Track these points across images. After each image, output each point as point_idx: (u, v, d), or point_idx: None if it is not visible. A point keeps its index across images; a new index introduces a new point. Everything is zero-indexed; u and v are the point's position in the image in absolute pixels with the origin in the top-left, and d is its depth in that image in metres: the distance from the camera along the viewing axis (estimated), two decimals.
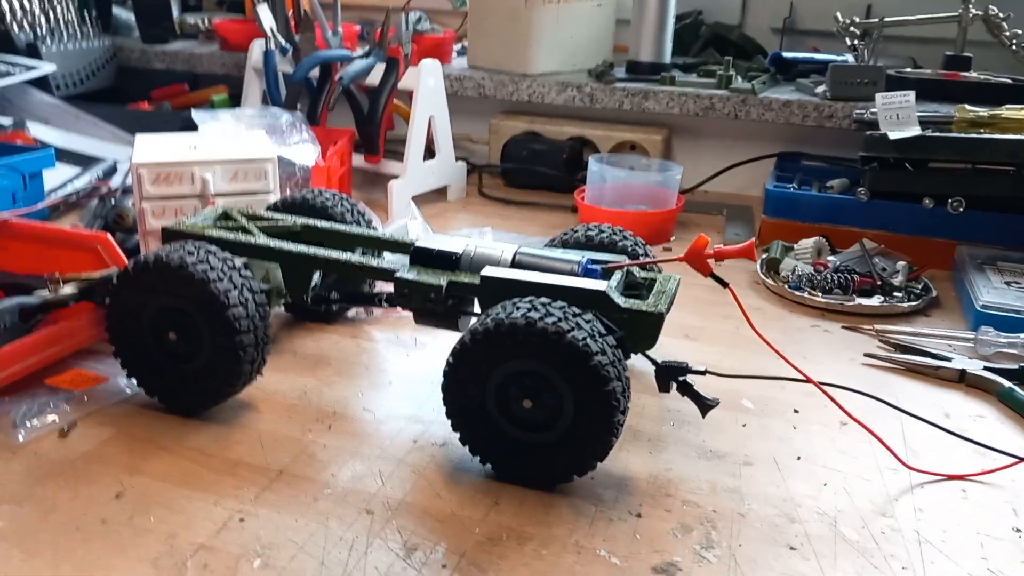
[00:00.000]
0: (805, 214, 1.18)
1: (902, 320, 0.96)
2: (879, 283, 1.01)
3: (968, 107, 1.17)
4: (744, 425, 0.73)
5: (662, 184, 1.21)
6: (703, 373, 0.66)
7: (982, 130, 1.13)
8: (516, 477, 0.63)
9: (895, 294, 1.00)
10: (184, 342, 0.68)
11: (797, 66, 1.47)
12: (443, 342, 0.86)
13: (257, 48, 1.37)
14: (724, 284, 0.65)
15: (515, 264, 0.68)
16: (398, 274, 0.68)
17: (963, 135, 1.11)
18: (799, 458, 0.68)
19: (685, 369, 0.65)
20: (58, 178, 1.11)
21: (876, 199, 1.14)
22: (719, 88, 1.39)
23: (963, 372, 0.82)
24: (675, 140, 1.49)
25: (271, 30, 1.34)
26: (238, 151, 0.94)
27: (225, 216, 0.80)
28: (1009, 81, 1.33)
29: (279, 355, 0.82)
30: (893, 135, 1.11)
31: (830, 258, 1.07)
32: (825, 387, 0.66)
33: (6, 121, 1.29)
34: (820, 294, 0.99)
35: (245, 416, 0.71)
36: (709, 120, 1.44)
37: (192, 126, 1.16)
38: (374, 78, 1.27)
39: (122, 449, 0.66)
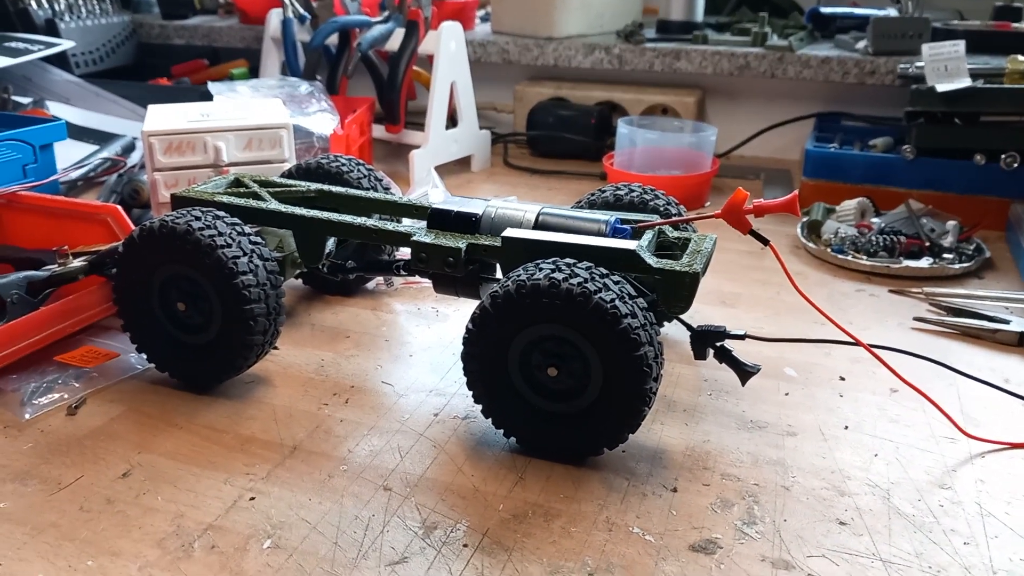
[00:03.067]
0: (847, 175, 1.12)
1: (953, 282, 0.90)
2: (927, 244, 0.95)
3: (1020, 57, 1.10)
4: (787, 394, 0.68)
5: (695, 147, 1.16)
6: (742, 337, 0.62)
7: None
8: (543, 450, 0.59)
9: (945, 255, 0.94)
10: (194, 313, 0.65)
11: (836, 21, 1.41)
12: (464, 312, 0.82)
13: (275, 17, 1.34)
14: (765, 241, 0.60)
15: (538, 225, 0.64)
16: (414, 237, 0.64)
17: (1017, 86, 1.05)
18: (847, 427, 0.64)
19: (723, 333, 0.60)
20: (77, 155, 1.09)
21: (923, 157, 1.08)
22: (754, 46, 1.33)
23: (1023, 335, 0.77)
24: (709, 102, 1.44)
25: None
26: (252, 118, 0.90)
27: (237, 183, 0.77)
28: None
29: (296, 328, 0.79)
30: (941, 87, 1.04)
31: (874, 220, 1.02)
32: (876, 350, 0.61)
33: (25, 100, 1.27)
34: (865, 257, 0.93)
35: (259, 391, 0.68)
36: (744, 80, 1.38)
37: (210, 100, 1.13)
38: (394, 44, 1.23)
39: (131, 426, 0.63)
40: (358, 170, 0.83)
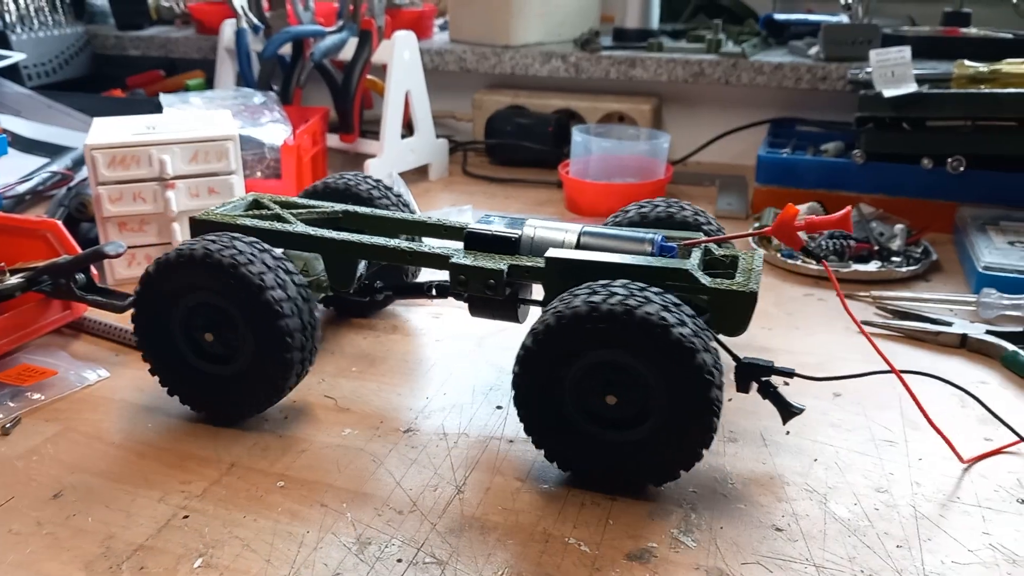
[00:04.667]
0: (800, 180, 1.13)
1: (901, 286, 0.91)
2: (876, 248, 0.96)
3: (967, 63, 1.11)
4: (730, 399, 0.69)
5: (649, 154, 1.17)
6: (791, 374, 0.59)
7: (982, 86, 1.08)
8: (613, 485, 0.56)
9: (893, 259, 0.95)
10: (222, 342, 0.62)
11: (790, 28, 1.42)
12: (422, 322, 0.82)
13: (228, 28, 1.33)
14: (819, 259, 0.59)
15: (580, 245, 0.62)
16: (453, 259, 0.62)
17: (962, 91, 1.06)
18: (788, 433, 0.64)
19: (770, 368, 0.58)
20: (26, 169, 1.07)
21: (872, 161, 1.09)
22: (709, 53, 1.34)
23: (964, 337, 0.78)
24: (666, 109, 1.44)
25: (242, 8, 1.29)
26: (197, 130, 0.89)
27: (256, 204, 0.74)
28: (1010, 36, 1.27)
29: None
30: (888, 93, 1.06)
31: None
32: (909, 375, 0.61)
33: None
34: (814, 262, 0.94)
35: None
36: (699, 87, 1.39)
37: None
38: (348, 54, 1.23)
39: (66, 446, 0.62)
40: (378, 189, 0.80)
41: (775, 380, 0.59)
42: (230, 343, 0.61)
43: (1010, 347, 0.74)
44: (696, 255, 0.60)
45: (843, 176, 1.11)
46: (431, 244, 0.68)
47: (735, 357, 0.58)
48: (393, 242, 0.66)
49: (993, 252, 0.90)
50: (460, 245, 0.65)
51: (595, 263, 0.58)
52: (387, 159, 1.20)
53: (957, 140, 1.06)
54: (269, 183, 1.07)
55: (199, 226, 0.69)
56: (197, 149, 0.88)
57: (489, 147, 1.41)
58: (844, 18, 1.37)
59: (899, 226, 0.99)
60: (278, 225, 0.68)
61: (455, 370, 0.73)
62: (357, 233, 0.67)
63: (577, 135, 1.17)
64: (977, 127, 1.06)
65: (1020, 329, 0.78)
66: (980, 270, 0.87)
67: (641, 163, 1.17)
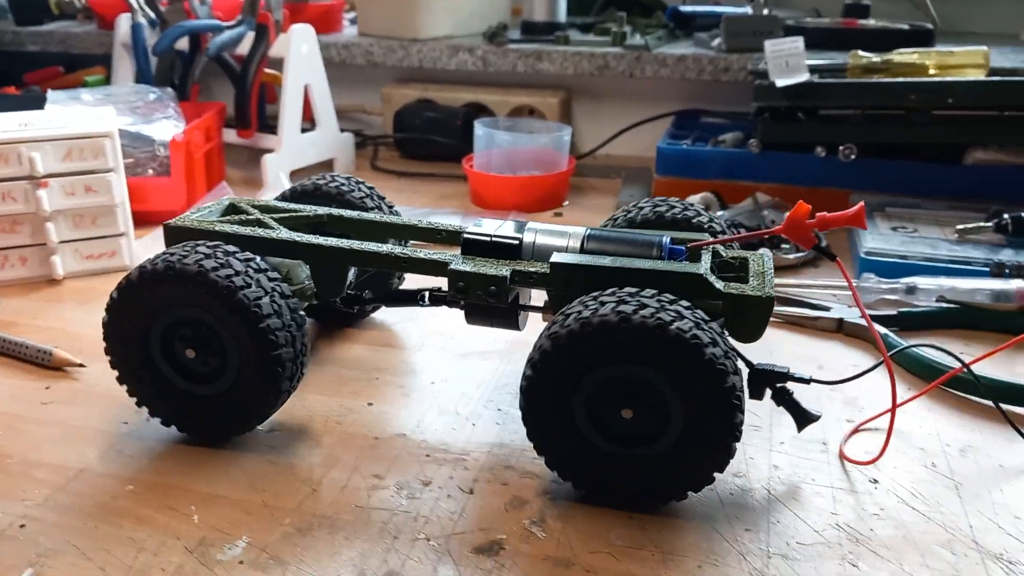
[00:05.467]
0: (699, 171, 1.14)
1: (790, 272, 0.92)
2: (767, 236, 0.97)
3: (861, 53, 1.13)
4: None
5: (551, 147, 1.16)
6: (807, 381, 0.58)
7: (876, 76, 1.10)
8: (621, 500, 0.54)
9: (783, 246, 0.96)
10: (205, 360, 0.58)
11: (696, 20, 1.43)
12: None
13: (124, 22, 1.29)
14: (832, 257, 0.56)
15: (585, 249, 0.59)
16: (452, 266, 0.58)
17: (852, 80, 1.08)
18: None
19: (786, 375, 0.56)
20: None
21: (768, 151, 1.11)
22: (613, 46, 1.34)
23: (840, 321, 0.79)
24: (574, 102, 1.44)
25: (137, 2, 1.26)
26: (70, 127, 0.86)
27: (233, 209, 0.69)
28: (906, 27, 1.29)
29: None
30: (781, 82, 1.07)
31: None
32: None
33: None
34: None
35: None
36: (605, 80, 1.40)
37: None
38: (247, 48, 1.20)
39: None
40: (360, 190, 0.76)
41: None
42: (215, 361, 0.58)
43: (882, 330, 0.76)
44: (706, 258, 0.57)
45: (741, 166, 1.12)
46: (417, 249, 0.64)
47: (748, 363, 0.57)
48: (386, 248, 0.62)
49: (876, 238, 0.92)
50: (450, 251, 0.62)
51: (604, 268, 0.55)
52: (286, 154, 1.17)
53: (849, 129, 1.08)
54: (159, 181, 1.04)
55: (174, 234, 0.64)
56: (71, 146, 0.85)
57: (399, 141, 1.39)
58: (749, 9, 1.38)
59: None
60: (261, 232, 0.63)
61: (320, 367, 0.72)
62: (343, 238, 0.64)
63: (479, 129, 1.16)
64: (867, 116, 1.08)
65: (895, 312, 0.80)
66: (862, 255, 0.89)
67: (544, 156, 1.17)
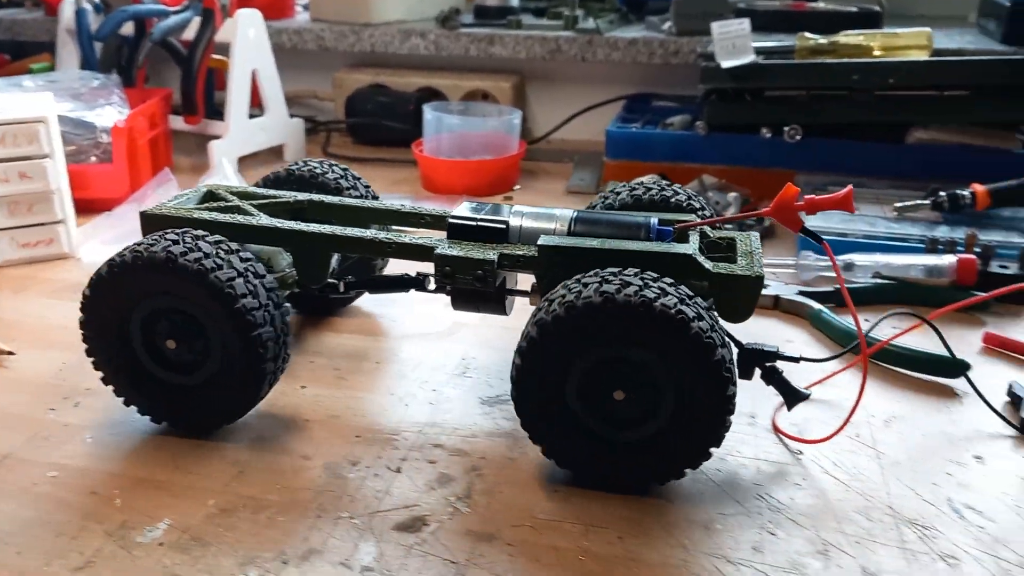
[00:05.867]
0: (648, 154, 1.15)
1: None
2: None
3: (808, 35, 1.14)
4: None
5: (500, 130, 1.16)
6: (796, 360, 0.58)
7: (823, 57, 1.11)
8: (618, 484, 0.53)
9: (727, 227, 0.97)
10: (187, 350, 0.56)
11: (648, 3, 1.43)
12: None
13: (68, 7, 1.27)
14: (819, 240, 0.56)
15: (574, 231, 0.58)
16: (439, 250, 0.57)
17: (796, 61, 1.09)
18: None
19: (775, 354, 0.56)
20: None
21: (715, 133, 1.11)
22: (565, 29, 1.34)
23: (777, 298, 0.80)
24: (528, 87, 1.44)
25: None
26: (4, 112, 0.85)
27: (211, 196, 0.68)
28: (854, 10, 1.31)
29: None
30: (726, 64, 1.08)
31: None
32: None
33: None
34: None
35: None
36: (557, 64, 1.40)
37: None
38: (193, 33, 1.19)
39: None
40: (346, 177, 0.74)
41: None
42: (196, 350, 0.56)
43: (816, 306, 0.77)
44: (694, 239, 0.57)
45: (688, 148, 1.13)
46: (402, 234, 0.63)
47: (737, 343, 0.57)
48: (370, 233, 0.61)
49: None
50: (435, 235, 0.61)
51: (593, 250, 0.54)
52: (234, 140, 1.16)
53: (794, 110, 1.09)
54: (101, 168, 1.02)
55: (151, 222, 0.63)
56: (4, 132, 0.84)
57: (351, 126, 1.38)
58: None
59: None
60: (240, 218, 0.62)
61: None
62: (324, 224, 0.62)
63: (428, 113, 1.16)
64: (812, 97, 1.09)
65: (831, 289, 0.81)
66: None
67: (494, 140, 1.17)
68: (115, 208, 0.98)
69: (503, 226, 0.59)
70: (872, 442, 0.59)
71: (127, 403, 0.59)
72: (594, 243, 0.55)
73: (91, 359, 0.58)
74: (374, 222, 0.69)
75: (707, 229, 0.60)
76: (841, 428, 0.58)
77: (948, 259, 0.81)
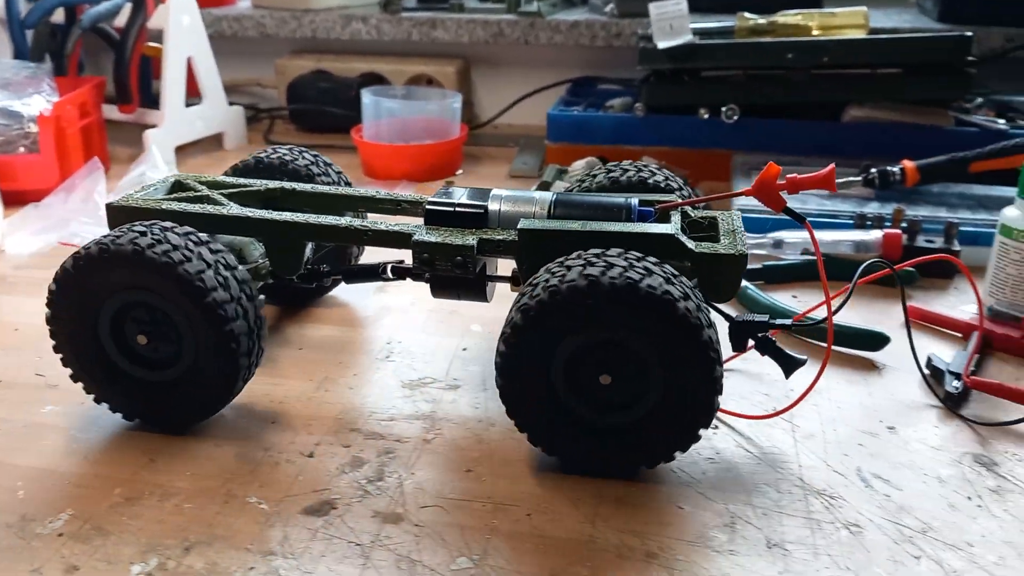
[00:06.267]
0: (589, 137, 1.14)
1: None
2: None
3: (747, 15, 1.15)
4: (464, 349, 0.69)
5: (440, 115, 1.16)
6: (789, 328, 0.58)
7: (762, 37, 1.12)
8: (606, 469, 0.53)
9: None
10: (158, 345, 0.55)
11: None
12: None
13: None
14: (801, 220, 0.55)
15: (554, 214, 0.57)
16: (416, 237, 0.56)
17: (730, 41, 1.09)
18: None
19: (766, 324, 0.56)
20: None
21: (654, 114, 1.11)
22: (508, 12, 1.33)
23: None
24: (474, 71, 1.43)
25: None
26: None
27: (180, 186, 0.66)
28: None
29: None
30: (662, 45, 1.08)
31: None
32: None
33: None
34: None
35: None
36: (501, 48, 1.39)
37: None
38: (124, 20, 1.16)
39: None
40: (317, 164, 0.72)
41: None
42: (168, 345, 0.55)
43: (743, 283, 0.77)
44: (675, 218, 0.56)
45: (628, 130, 1.13)
46: (378, 221, 0.61)
47: (728, 317, 0.57)
48: (345, 221, 0.59)
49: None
50: (416, 221, 0.60)
51: (574, 232, 0.53)
52: (170, 129, 1.15)
53: (730, 89, 1.09)
54: (29, 158, 1.00)
55: (118, 214, 0.61)
56: None
57: (295, 113, 1.37)
58: None
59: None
60: (211, 208, 0.60)
61: None
62: (298, 212, 0.61)
63: (367, 97, 1.15)
64: (748, 76, 1.09)
65: (760, 266, 0.81)
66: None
67: (435, 124, 1.16)
68: (43, 199, 0.96)
69: (482, 211, 0.58)
70: (788, 415, 0.60)
71: (97, 400, 0.57)
72: (575, 226, 0.54)
73: (59, 355, 0.56)
74: (348, 209, 0.67)
75: (688, 209, 0.60)
76: (796, 403, 0.58)
77: (875, 234, 0.82)
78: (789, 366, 0.57)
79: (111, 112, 1.18)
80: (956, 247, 0.83)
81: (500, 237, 0.56)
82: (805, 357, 0.57)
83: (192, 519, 0.49)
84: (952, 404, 0.62)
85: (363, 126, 1.17)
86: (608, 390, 0.50)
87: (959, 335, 0.72)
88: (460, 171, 1.17)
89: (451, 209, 0.58)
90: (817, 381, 0.56)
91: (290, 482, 0.52)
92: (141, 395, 0.56)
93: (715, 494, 0.52)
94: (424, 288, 0.60)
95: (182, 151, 1.21)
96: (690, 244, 0.53)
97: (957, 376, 0.63)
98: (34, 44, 1.21)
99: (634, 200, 0.58)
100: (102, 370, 0.56)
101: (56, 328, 0.56)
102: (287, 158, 0.72)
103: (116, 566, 0.46)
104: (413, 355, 0.68)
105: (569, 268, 0.49)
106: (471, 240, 0.55)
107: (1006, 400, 0.61)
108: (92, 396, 0.57)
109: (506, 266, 0.60)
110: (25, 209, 0.95)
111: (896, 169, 0.94)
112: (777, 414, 0.59)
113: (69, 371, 0.57)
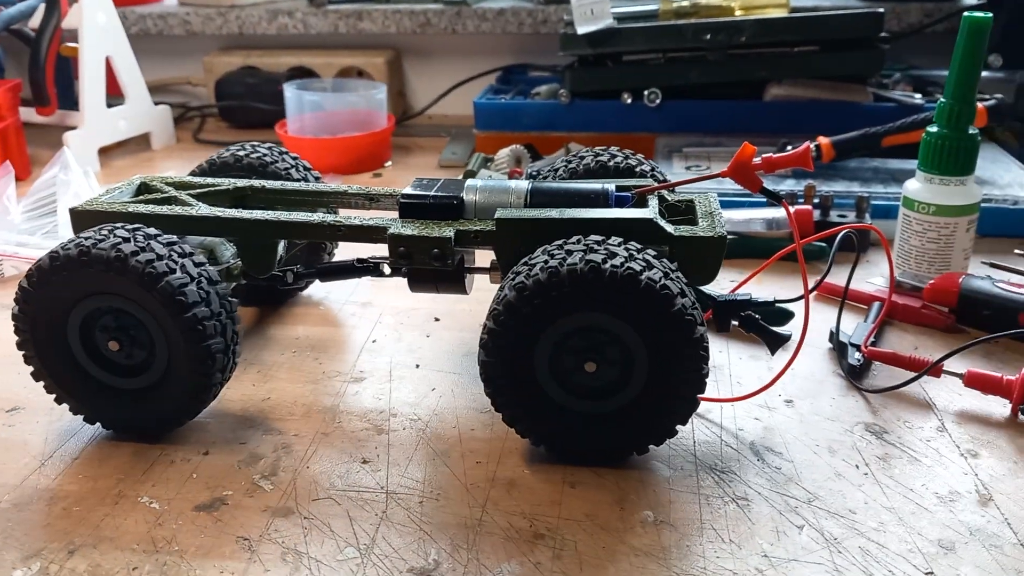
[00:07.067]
0: (516, 124, 1.15)
1: None
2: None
3: None
4: (374, 341, 0.69)
5: (364, 106, 1.15)
6: (771, 304, 0.58)
7: (685, 19, 1.12)
8: (584, 457, 0.53)
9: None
10: (130, 351, 0.54)
11: None
12: None
13: None
14: (779, 199, 0.55)
15: (531, 203, 0.57)
16: (391, 230, 0.55)
17: (647, 24, 1.10)
18: (417, 366, 0.65)
19: (749, 302, 0.57)
20: None
21: (578, 100, 1.12)
22: (434, 2, 1.33)
23: None
24: (405, 61, 1.43)
25: None
26: None
27: (145, 188, 0.64)
28: None
29: None
30: (582, 29, 1.08)
31: (530, 165, 1.04)
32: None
33: None
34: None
35: None
36: (429, 37, 1.38)
37: None
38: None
39: None
40: (284, 160, 0.71)
41: None
42: (140, 351, 0.54)
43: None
44: (653, 203, 0.56)
45: (554, 117, 1.13)
46: (352, 216, 0.60)
47: (711, 298, 0.57)
48: (317, 217, 0.58)
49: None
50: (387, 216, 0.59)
51: (553, 220, 0.53)
52: (90, 130, 1.13)
53: (652, 73, 1.10)
54: None
55: (81, 218, 0.59)
56: None
57: (225, 111, 1.35)
58: None
59: None
60: (179, 210, 0.59)
61: None
62: (269, 210, 0.60)
63: (289, 91, 1.14)
64: (669, 59, 1.10)
65: None
66: None
67: (361, 116, 1.15)
68: None
69: (458, 202, 0.57)
70: None
71: (58, 401, 0.56)
72: (553, 213, 0.54)
73: (22, 352, 0.55)
74: (319, 205, 0.66)
75: (665, 193, 0.60)
76: (768, 385, 0.57)
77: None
78: (774, 342, 0.57)
79: (31, 115, 1.16)
80: (867, 221, 0.84)
81: (478, 228, 0.55)
82: (789, 333, 0.57)
83: (79, 522, 0.49)
84: (854, 376, 0.63)
85: (287, 120, 1.16)
86: (591, 377, 0.50)
87: (864, 307, 0.73)
88: (389, 163, 1.17)
89: (427, 201, 0.57)
90: (792, 362, 0.56)
91: (183, 480, 0.52)
92: (109, 402, 0.55)
93: (608, 474, 0.52)
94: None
95: (107, 152, 1.19)
96: (669, 228, 0.53)
97: (857, 348, 0.64)
98: None
99: (611, 186, 0.58)
100: (69, 374, 0.55)
101: (21, 328, 0.54)
102: (240, 153, 0.70)
103: None
104: (318, 347, 0.68)
105: (570, 252, 0.49)
106: (448, 232, 0.55)
107: (903, 369, 0.62)
108: (54, 397, 0.56)
109: (483, 257, 0.60)
110: None
111: (812, 146, 0.95)
112: (745, 397, 0.59)
113: (31, 368, 0.55)
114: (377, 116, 1.15)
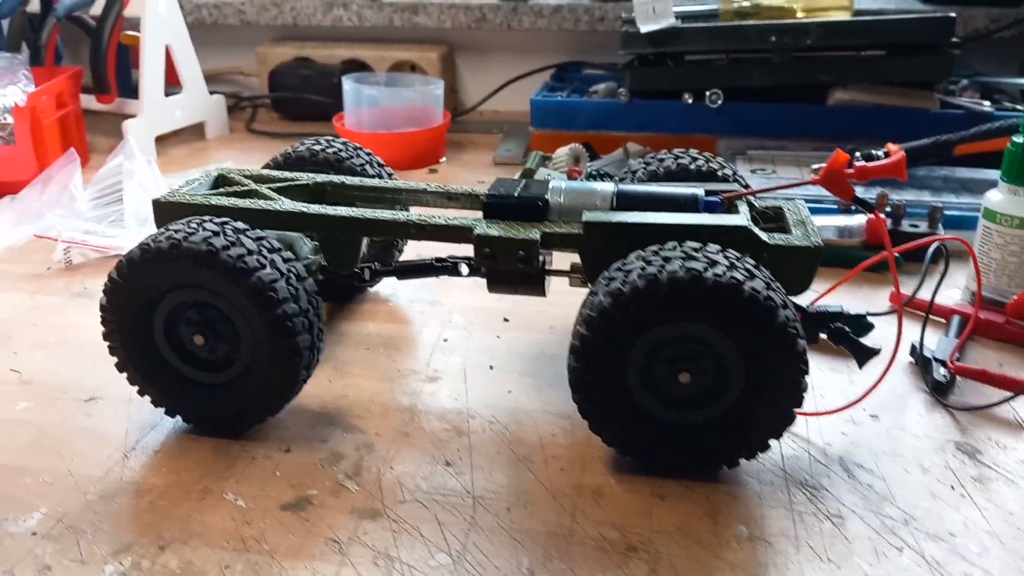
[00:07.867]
0: (573, 122, 1.13)
1: None
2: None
3: None
4: (446, 340, 0.68)
5: (422, 101, 1.14)
6: (862, 318, 0.56)
7: (747, 20, 1.11)
8: (677, 468, 0.52)
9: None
10: (215, 346, 0.53)
11: None
12: None
13: None
14: (871, 209, 0.54)
15: (618, 205, 0.56)
16: (477, 231, 0.54)
17: (713, 24, 1.08)
18: (492, 368, 0.64)
19: (839, 315, 0.55)
20: None
21: (637, 99, 1.11)
22: None
23: None
24: (458, 57, 1.42)
25: None
26: None
27: (224, 180, 0.64)
28: None
29: None
30: (645, 28, 1.07)
31: (589, 165, 1.03)
32: None
33: None
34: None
35: None
36: (484, 33, 1.38)
37: None
38: (100, 9, 1.15)
39: None
40: (359, 156, 0.70)
41: None
42: (225, 347, 0.53)
43: None
44: (743, 209, 0.55)
45: (612, 116, 1.12)
46: (462, 214, 0.59)
47: (800, 308, 0.56)
48: (403, 215, 0.58)
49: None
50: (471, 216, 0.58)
51: (644, 225, 0.51)
52: (149, 119, 1.13)
53: (715, 74, 1.08)
54: (4, 150, 0.99)
55: (164, 210, 0.59)
56: None
57: (277, 102, 1.35)
58: None
59: None
60: (263, 204, 0.58)
61: None
62: (349, 206, 0.59)
63: (347, 84, 1.14)
64: (732, 60, 1.08)
65: None
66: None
67: (418, 112, 1.15)
68: (19, 191, 0.95)
69: (543, 203, 0.56)
70: None
71: (141, 393, 0.56)
72: (644, 218, 0.52)
73: (108, 343, 0.54)
74: (397, 203, 0.65)
75: (752, 199, 0.58)
76: (860, 399, 0.56)
77: (859, 219, 0.82)
78: (863, 356, 0.56)
79: (90, 102, 1.17)
80: (940, 231, 0.82)
81: (563, 231, 0.54)
82: (879, 347, 0.56)
83: (166, 516, 0.49)
84: (939, 392, 0.61)
85: (344, 114, 1.15)
86: (684, 388, 0.49)
87: (942, 320, 0.71)
88: (444, 159, 1.16)
89: (512, 202, 0.56)
90: (888, 371, 0.55)
91: (267, 478, 0.52)
92: (191, 396, 0.55)
93: (696, 485, 0.51)
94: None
95: (163, 141, 1.20)
96: (764, 236, 0.51)
97: (943, 363, 0.63)
98: (9, 34, 1.20)
99: (700, 191, 0.56)
100: (152, 367, 0.54)
101: (109, 319, 0.54)
102: (343, 155, 0.70)
103: (89, 565, 0.45)
104: (392, 347, 0.67)
105: (668, 260, 0.47)
106: (535, 234, 0.54)
107: (991, 387, 0.61)
108: (136, 389, 0.55)
109: (561, 260, 0.59)
110: (2, 201, 0.94)
111: (880, 152, 0.93)
112: (836, 411, 0.58)
113: (115, 359, 0.55)
114: (433, 112, 1.15)
